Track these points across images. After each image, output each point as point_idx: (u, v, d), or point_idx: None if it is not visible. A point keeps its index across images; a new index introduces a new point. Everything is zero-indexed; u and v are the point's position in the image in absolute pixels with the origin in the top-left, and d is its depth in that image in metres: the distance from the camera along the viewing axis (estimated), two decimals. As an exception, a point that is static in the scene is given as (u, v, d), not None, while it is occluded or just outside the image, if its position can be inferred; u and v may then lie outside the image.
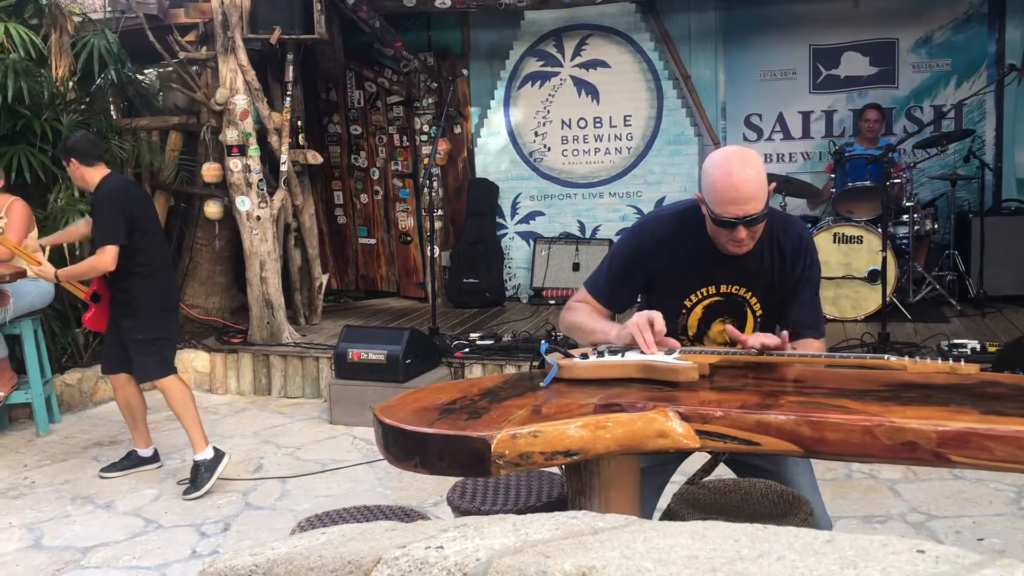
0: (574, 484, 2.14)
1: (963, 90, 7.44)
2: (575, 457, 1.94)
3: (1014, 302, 6.68)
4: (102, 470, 4.95)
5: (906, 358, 2.11)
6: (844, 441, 1.89)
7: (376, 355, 5.58)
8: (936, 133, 7.10)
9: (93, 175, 4.58)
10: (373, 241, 8.52)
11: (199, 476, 4.64)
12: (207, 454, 4.68)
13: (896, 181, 6.68)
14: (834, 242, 6.60)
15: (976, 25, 7.52)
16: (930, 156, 7.06)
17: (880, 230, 6.15)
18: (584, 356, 2.29)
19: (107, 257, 4.44)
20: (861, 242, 6.53)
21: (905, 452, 1.86)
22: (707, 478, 2.44)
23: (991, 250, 6.64)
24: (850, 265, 6.55)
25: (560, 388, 2.22)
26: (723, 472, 2.50)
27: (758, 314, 2.59)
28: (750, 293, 2.58)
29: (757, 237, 2.48)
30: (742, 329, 2.55)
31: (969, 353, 5.27)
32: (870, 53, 7.75)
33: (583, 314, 2.63)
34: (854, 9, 7.61)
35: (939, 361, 2.07)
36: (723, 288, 2.57)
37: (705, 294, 2.58)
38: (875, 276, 6.32)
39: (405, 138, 8.26)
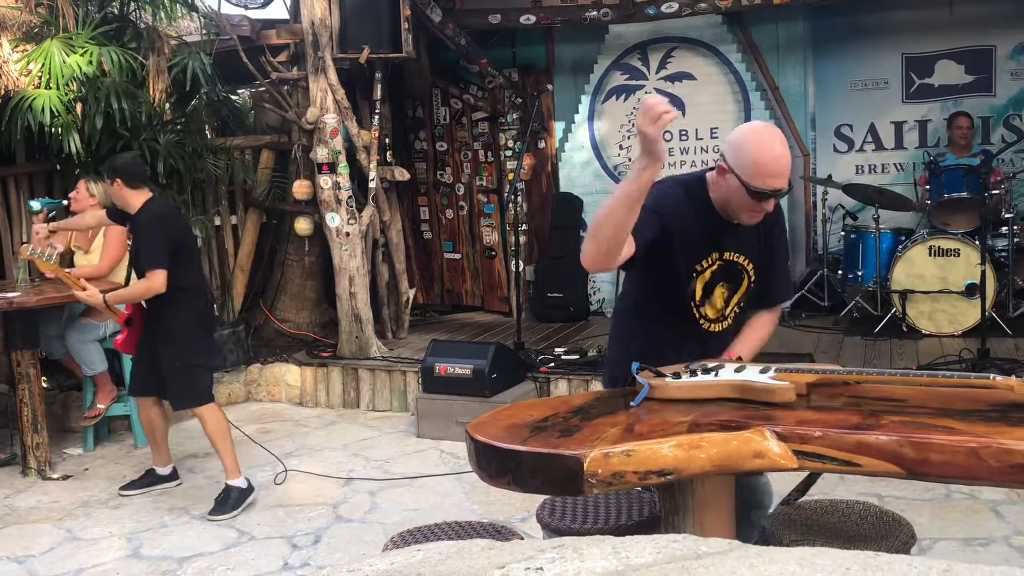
0: (668, 504, 2.12)
1: (1066, 99, 7.18)
2: (669, 477, 1.92)
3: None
4: (121, 488, 5.01)
5: (1013, 377, 2.04)
6: (949, 463, 1.84)
7: (462, 369, 5.61)
8: (1036, 142, 6.86)
9: (136, 198, 4.61)
10: (458, 256, 8.59)
11: (229, 500, 4.66)
12: (241, 483, 4.72)
13: (994, 192, 6.47)
14: (930, 255, 6.41)
15: (1079, 28, 7.25)
16: (1029, 166, 6.83)
17: (978, 242, 5.95)
18: (676, 376, 2.27)
19: (157, 281, 4.46)
20: (958, 255, 6.33)
21: (1015, 475, 1.80)
22: (802, 498, 2.39)
23: (1097, 262, 6.39)
24: (946, 279, 6.35)
25: (652, 407, 2.20)
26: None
27: (752, 280, 2.73)
28: (748, 261, 2.71)
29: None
30: (735, 293, 2.72)
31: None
32: (965, 61, 7.53)
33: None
34: (949, 16, 7.41)
35: (1049, 381, 1.99)
36: (727, 255, 2.68)
37: (712, 261, 2.66)
38: (973, 290, 6.11)
39: (490, 153, 8.31)
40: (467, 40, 7.50)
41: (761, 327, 2.79)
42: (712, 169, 2.68)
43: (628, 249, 2.41)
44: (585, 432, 2.02)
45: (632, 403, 2.21)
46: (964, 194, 6.40)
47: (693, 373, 2.29)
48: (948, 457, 1.83)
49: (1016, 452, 1.78)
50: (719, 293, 2.70)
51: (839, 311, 7.09)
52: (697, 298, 2.68)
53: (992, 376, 2.07)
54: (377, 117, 6.89)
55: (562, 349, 6.29)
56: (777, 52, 7.96)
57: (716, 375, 2.27)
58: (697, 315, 2.69)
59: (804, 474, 2.22)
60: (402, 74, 7.73)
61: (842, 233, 7.27)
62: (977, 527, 3.98)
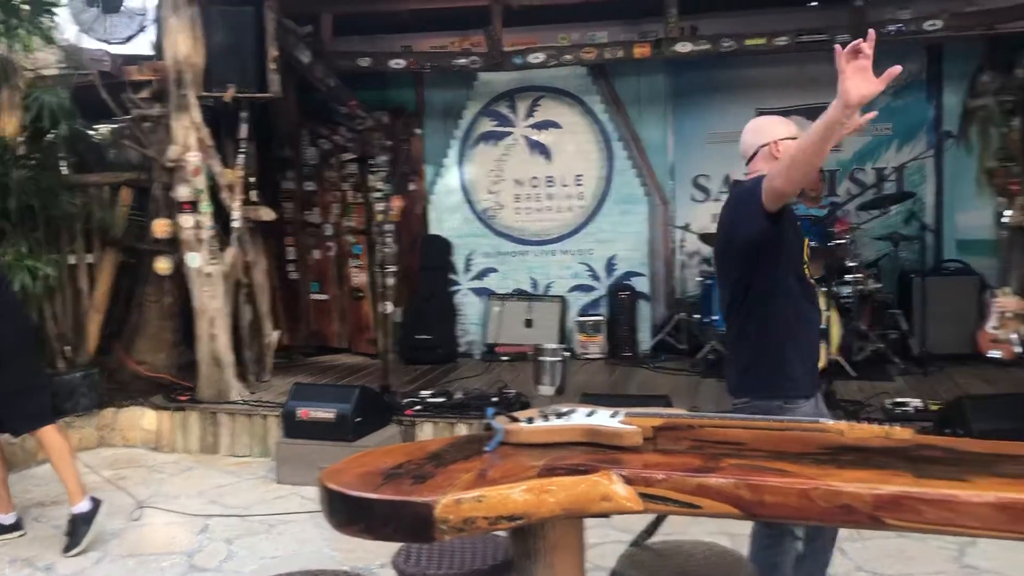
0: (519, 548, 2.15)
1: (904, 154, 7.69)
2: (519, 522, 1.96)
3: (956, 360, 6.83)
4: None
5: (843, 422, 2.17)
6: (782, 504, 1.93)
7: (325, 413, 5.54)
8: (878, 195, 7.31)
9: None
10: (325, 297, 8.51)
11: (77, 531, 4.57)
12: (84, 506, 4.61)
13: (840, 242, 6.84)
14: (780, 301, 6.70)
15: (916, 92, 7.79)
16: (873, 217, 7.24)
17: (824, 289, 6.27)
18: (530, 420, 2.32)
19: None
20: (807, 301, 6.64)
21: (842, 515, 1.91)
22: (650, 539, 2.47)
23: (933, 309, 6.81)
24: (796, 324, 6.65)
25: (507, 451, 2.24)
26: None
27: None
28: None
29: None
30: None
31: (912, 412, 5.37)
32: (814, 117, 7.88)
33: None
34: (798, 75, 7.83)
35: (875, 425, 2.13)
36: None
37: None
38: (823, 334, 6.43)
39: (359, 195, 8.29)
40: (337, 82, 7.50)
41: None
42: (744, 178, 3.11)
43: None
44: (439, 478, 2.04)
45: (487, 448, 2.24)
46: (812, 243, 6.73)
47: (546, 417, 2.35)
48: (781, 498, 1.92)
49: (843, 493, 1.89)
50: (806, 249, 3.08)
51: (696, 354, 7.33)
52: (807, 258, 3.03)
53: (822, 420, 2.19)
54: (242, 156, 6.79)
55: (429, 392, 6.29)
56: (639, 104, 8.25)
57: (568, 419, 2.33)
58: (808, 275, 3.03)
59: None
60: (270, 113, 7.66)
61: (699, 279, 7.54)
62: (821, 563, 4.15)
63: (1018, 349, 6.53)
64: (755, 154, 3.08)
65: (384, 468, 2.14)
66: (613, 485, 2.01)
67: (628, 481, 2.02)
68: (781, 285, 2.95)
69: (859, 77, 2.35)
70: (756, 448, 2.19)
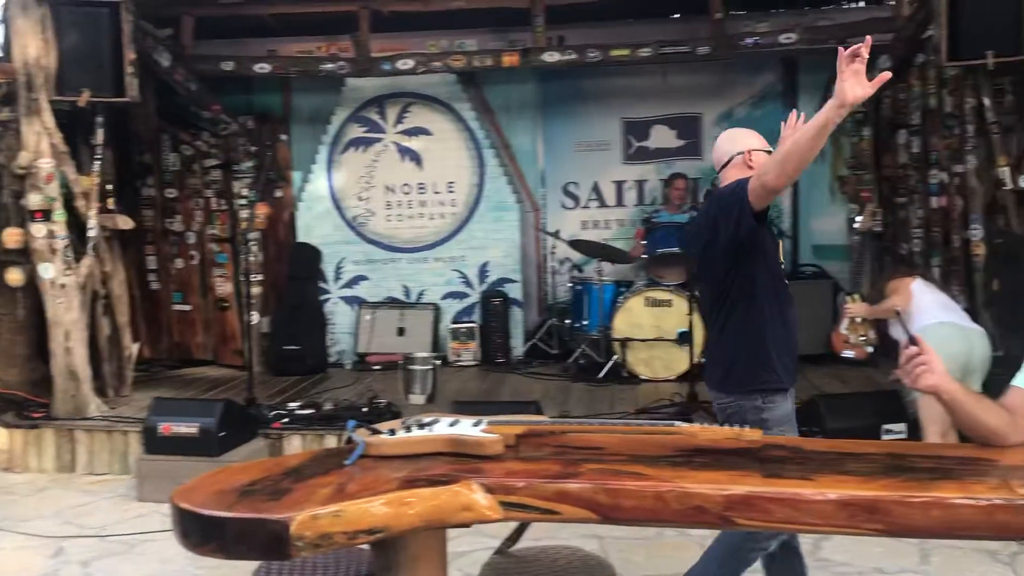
0: (380, 561, 2.13)
1: (761, 162, 7.96)
2: (379, 535, 1.93)
3: (813, 361, 7.10)
4: None
5: (696, 424, 2.23)
6: (638, 507, 1.97)
7: (188, 428, 5.37)
8: (738, 202, 7.54)
9: None
10: (189, 308, 8.24)
11: None
12: None
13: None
14: (646, 305, 6.88)
15: (772, 102, 8.11)
16: (733, 224, 7.48)
17: (687, 295, 6.45)
18: (392, 432, 2.30)
19: None
20: (671, 305, 6.83)
21: (695, 516, 1.96)
22: (515, 546, 2.48)
23: (790, 312, 7.08)
24: (661, 327, 6.83)
25: (367, 464, 2.21)
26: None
27: None
28: None
29: None
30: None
31: (770, 411, 5.55)
32: (677, 126, 8.21)
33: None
34: (662, 84, 8.05)
35: (727, 427, 2.19)
36: None
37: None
38: (684, 338, 6.60)
39: (223, 202, 8.07)
40: (198, 86, 7.31)
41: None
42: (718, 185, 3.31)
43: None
44: (296, 494, 2.00)
45: (347, 461, 2.20)
46: (675, 249, 6.93)
47: (408, 428, 2.33)
48: (637, 502, 1.96)
49: (696, 495, 1.94)
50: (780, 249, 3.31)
51: (567, 358, 7.43)
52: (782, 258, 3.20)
53: (677, 423, 2.25)
54: (98, 162, 6.53)
55: (297, 404, 6.17)
56: (509, 112, 8.32)
57: (431, 430, 2.32)
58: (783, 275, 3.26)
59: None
60: (128, 118, 7.39)
61: (569, 285, 7.65)
62: (686, 563, 4.25)
63: (870, 349, 6.85)
64: (729, 161, 3.26)
65: (239, 485, 2.08)
66: (473, 495, 2.00)
67: (489, 490, 2.02)
68: (761, 283, 3.12)
69: (854, 80, 2.47)
70: (616, 452, 2.23)
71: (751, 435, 2.18)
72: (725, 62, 7.53)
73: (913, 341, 2.19)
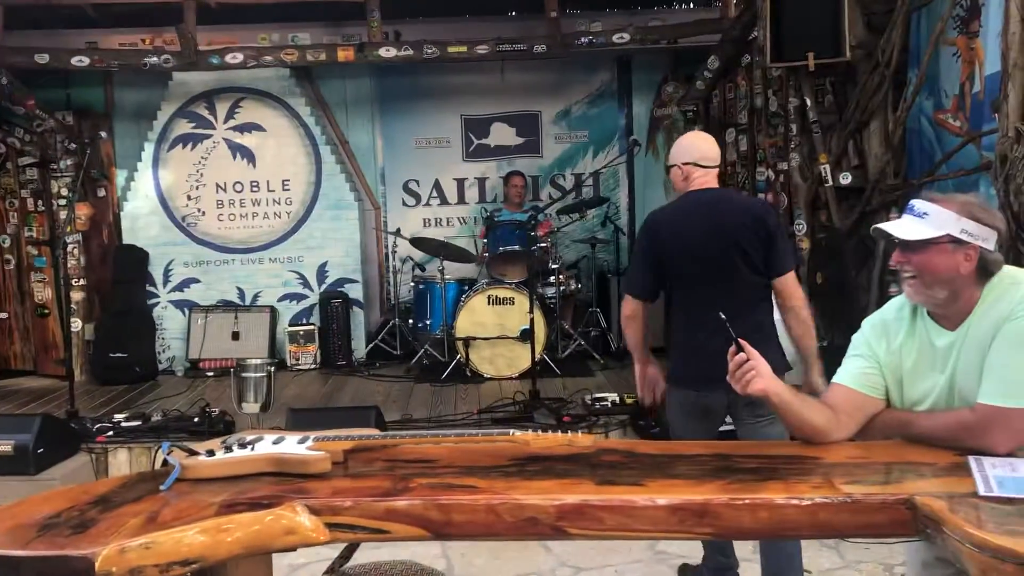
0: (200, 593, 2.00)
1: (600, 160, 8.11)
2: (195, 566, 1.80)
3: (656, 352, 7.23)
4: None
5: (529, 432, 2.19)
6: (471, 522, 1.92)
7: (2, 446, 4.98)
8: (577, 200, 7.65)
9: None
10: (4, 315, 7.70)
11: None
12: None
13: (542, 245, 7.08)
14: (489, 304, 6.86)
15: (608, 101, 8.25)
16: (572, 221, 7.57)
17: (528, 291, 6.47)
18: (211, 453, 2.16)
19: None
20: (513, 303, 6.84)
21: (528, 528, 1.92)
22: (346, 564, 2.39)
23: (628, 307, 7.21)
24: (504, 325, 6.83)
25: (184, 489, 2.07)
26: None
27: None
28: None
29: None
30: None
31: (610, 405, 5.63)
32: (516, 124, 8.24)
33: None
34: (501, 82, 8.05)
35: (559, 434, 2.16)
36: None
37: None
38: (526, 335, 6.62)
39: (41, 202, 7.58)
40: (9, 79, 6.84)
41: None
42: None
43: None
44: (103, 525, 1.85)
45: (162, 487, 2.06)
46: (516, 247, 6.94)
47: (229, 448, 2.20)
48: (469, 516, 1.91)
49: (527, 507, 1.90)
50: None
51: (411, 359, 7.34)
52: None
53: (512, 432, 2.21)
54: None
55: (123, 415, 5.83)
56: (346, 108, 8.16)
57: (254, 449, 2.20)
58: None
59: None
60: (-71, 112, 6.85)
61: (412, 284, 7.56)
62: (529, 562, 4.26)
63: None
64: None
65: (40, 519, 1.91)
66: (297, 517, 1.90)
67: (314, 511, 1.93)
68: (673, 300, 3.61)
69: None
70: (449, 464, 2.17)
71: (583, 441, 2.16)
72: (562, 60, 7.60)
73: (739, 347, 2.22)
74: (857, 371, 2.33)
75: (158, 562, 1.76)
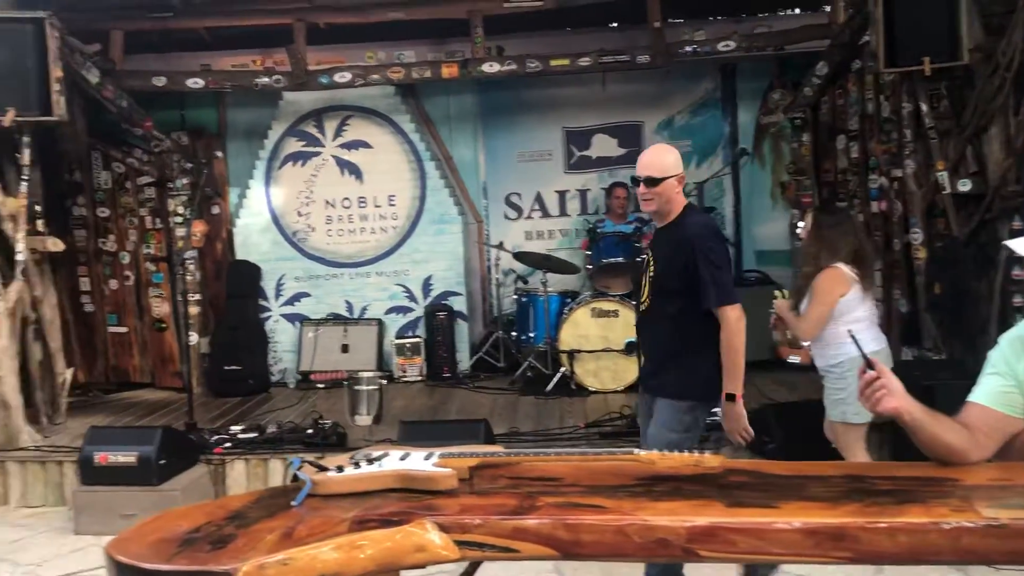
0: (331, 608, 2.03)
1: (703, 169, 8.00)
2: (329, 582, 1.84)
3: (758, 367, 7.09)
4: None
5: (655, 452, 2.16)
6: (599, 542, 1.91)
7: (126, 457, 5.19)
8: (681, 210, 7.55)
9: None
10: (124, 330, 8.01)
11: None
12: None
13: (646, 256, 7.01)
14: (592, 316, 6.83)
15: (712, 109, 8.15)
16: (677, 232, 7.47)
17: (634, 303, 6.42)
18: (340, 469, 2.20)
19: None
20: (617, 316, 6.79)
21: (658, 549, 1.90)
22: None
23: (735, 319, 7.08)
24: (608, 338, 6.79)
25: (315, 504, 2.11)
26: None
27: (652, 275, 3.65)
28: (653, 258, 3.66)
29: (657, 201, 3.55)
30: (645, 285, 3.70)
31: (721, 420, 5.53)
32: (618, 135, 8.21)
33: None
34: (602, 93, 8.03)
35: (685, 454, 2.13)
36: (646, 252, 3.79)
37: (646, 256, 3.77)
38: (632, 348, 6.57)
39: (158, 220, 7.86)
40: (129, 102, 7.10)
41: (722, 345, 3.56)
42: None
43: None
44: (240, 542, 1.90)
45: (294, 503, 2.10)
46: (620, 259, 6.90)
47: (357, 464, 2.23)
48: (598, 537, 1.90)
49: (657, 528, 1.88)
50: (643, 280, 3.71)
51: (514, 371, 7.36)
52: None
53: (635, 451, 2.19)
54: (25, 183, 6.30)
55: (239, 427, 6.00)
56: (449, 123, 8.25)
57: (380, 465, 2.23)
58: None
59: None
60: (56, 136, 7.16)
61: (515, 296, 7.58)
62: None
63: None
64: (673, 176, 3.55)
65: (180, 533, 1.97)
66: (428, 534, 1.92)
67: (443, 528, 1.94)
68: None
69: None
70: (573, 483, 2.16)
71: (711, 462, 2.12)
72: (664, 70, 7.54)
73: (870, 364, 2.16)
74: (994, 390, 2.24)
75: (295, 578, 1.80)
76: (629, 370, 6.66)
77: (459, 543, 1.94)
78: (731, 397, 3.59)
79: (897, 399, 2.13)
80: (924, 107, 5.87)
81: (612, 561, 1.95)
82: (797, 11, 8.09)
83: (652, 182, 3.52)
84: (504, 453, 2.30)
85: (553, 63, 7.09)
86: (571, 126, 8.24)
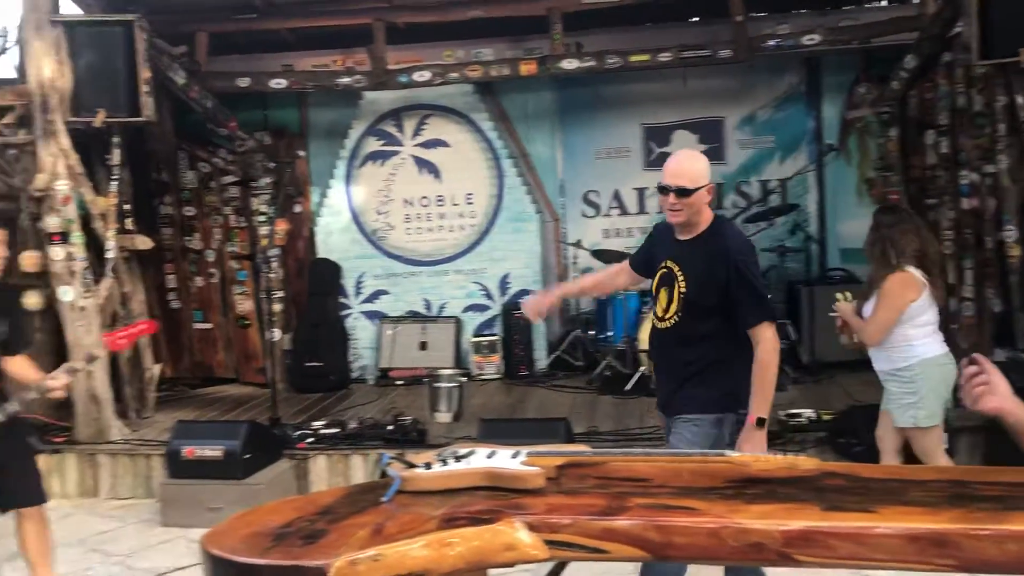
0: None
1: (787, 165, 7.85)
2: (420, 579, 1.84)
3: (844, 368, 6.92)
4: None
5: (748, 454, 2.12)
6: (692, 545, 1.87)
7: (212, 451, 5.30)
8: (764, 208, 7.43)
9: None
10: (209, 326, 8.17)
11: None
12: None
13: (664, 269, 6.87)
14: (673, 315, 6.73)
15: (796, 104, 7.97)
16: (760, 230, 7.35)
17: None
18: (428, 465, 2.20)
19: None
20: (699, 314, 6.68)
21: (752, 553, 1.85)
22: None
23: (820, 318, 6.89)
24: (689, 337, 6.68)
25: (404, 501, 2.11)
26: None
27: (683, 291, 3.31)
28: (681, 271, 3.33)
29: (687, 212, 3.28)
30: (671, 299, 3.36)
31: (806, 422, 5.43)
32: (699, 131, 8.08)
33: None
34: (682, 89, 7.92)
35: (779, 456, 2.08)
36: (667, 263, 3.39)
37: (661, 267, 3.43)
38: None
39: (242, 218, 8.01)
40: (214, 103, 7.24)
41: (754, 372, 3.26)
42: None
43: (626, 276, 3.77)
44: (331, 537, 1.91)
45: (383, 498, 2.11)
46: (701, 257, 6.79)
47: (445, 461, 2.23)
48: (690, 539, 1.86)
49: (752, 531, 1.83)
50: (662, 295, 3.40)
51: (592, 370, 7.32)
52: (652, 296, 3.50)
53: (727, 453, 2.14)
54: (115, 183, 6.48)
55: (321, 422, 6.08)
56: (527, 121, 8.23)
57: (468, 462, 2.22)
58: (653, 311, 3.54)
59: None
60: (144, 136, 7.35)
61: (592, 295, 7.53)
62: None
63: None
64: (704, 186, 3.30)
65: (272, 528, 1.99)
66: (517, 533, 1.91)
67: (532, 527, 1.93)
68: None
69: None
70: (662, 484, 2.13)
71: (806, 464, 2.07)
72: (747, 65, 7.40)
73: (972, 360, 2.07)
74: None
75: (386, 574, 1.80)
76: (709, 370, 6.55)
77: (548, 543, 1.92)
78: (761, 422, 3.21)
79: (999, 398, 2.04)
80: (1020, 100, 5.66)
81: (702, 564, 1.91)
82: (884, 3, 7.89)
83: (684, 192, 3.24)
84: (590, 452, 2.28)
85: (632, 59, 7.02)
86: (650, 122, 8.15)
